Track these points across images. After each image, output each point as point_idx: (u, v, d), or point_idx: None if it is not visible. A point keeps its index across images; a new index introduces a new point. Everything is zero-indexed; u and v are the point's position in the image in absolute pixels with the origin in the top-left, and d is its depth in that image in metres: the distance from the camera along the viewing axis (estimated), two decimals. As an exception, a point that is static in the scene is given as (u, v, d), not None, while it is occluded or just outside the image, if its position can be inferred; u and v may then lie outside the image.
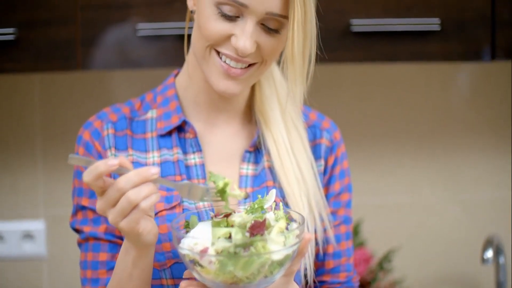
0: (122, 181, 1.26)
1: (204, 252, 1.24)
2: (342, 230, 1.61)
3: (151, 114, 1.57)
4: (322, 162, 1.60)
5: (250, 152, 1.56)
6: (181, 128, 1.55)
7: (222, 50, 1.43)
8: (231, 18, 1.41)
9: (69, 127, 2.23)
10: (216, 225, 1.30)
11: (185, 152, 1.54)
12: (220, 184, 1.31)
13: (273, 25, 1.43)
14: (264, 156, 1.55)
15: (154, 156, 1.53)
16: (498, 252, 2.20)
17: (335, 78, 2.32)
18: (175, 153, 1.53)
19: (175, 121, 1.54)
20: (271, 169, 1.55)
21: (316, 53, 1.47)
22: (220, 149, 1.56)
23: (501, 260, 2.20)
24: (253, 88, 1.58)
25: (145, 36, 1.87)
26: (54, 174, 2.27)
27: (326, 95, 2.30)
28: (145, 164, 1.52)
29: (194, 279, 1.32)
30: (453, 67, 2.37)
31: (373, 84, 2.36)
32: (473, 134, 2.40)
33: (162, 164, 1.53)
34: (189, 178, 1.51)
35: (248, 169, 1.55)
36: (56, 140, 2.26)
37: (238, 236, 1.25)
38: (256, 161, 1.56)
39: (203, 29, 1.43)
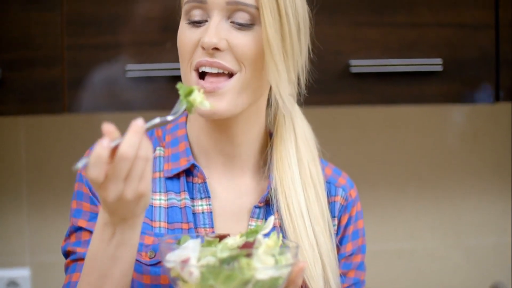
0: (128, 149, 1.17)
1: (185, 262, 1.21)
2: None
3: (159, 152, 1.50)
4: (336, 221, 1.52)
5: (259, 207, 1.48)
6: (189, 172, 1.48)
7: (195, 59, 1.40)
8: (199, 24, 1.40)
9: (56, 172, 2.20)
10: (207, 244, 1.28)
11: (192, 198, 1.47)
12: (185, 92, 1.28)
13: (243, 19, 1.39)
14: (275, 214, 1.46)
15: (161, 199, 1.46)
16: (503, 301, 2.18)
17: (333, 120, 2.30)
18: (183, 199, 1.46)
19: (183, 164, 1.47)
20: (282, 228, 1.46)
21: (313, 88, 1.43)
22: (229, 200, 1.48)
23: (507, 309, 2.18)
24: (267, 140, 1.51)
25: (135, 77, 1.85)
26: (40, 220, 2.23)
27: (324, 138, 2.27)
28: (152, 205, 1.46)
29: None
30: (453, 109, 2.36)
31: (371, 126, 2.34)
32: (475, 177, 2.38)
33: (169, 208, 1.45)
34: (196, 226, 1.44)
35: None
36: (42, 185, 2.22)
37: (223, 251, 1.22)
38: (266, 218, 1.47)
39: (180, 47, 1.42)
